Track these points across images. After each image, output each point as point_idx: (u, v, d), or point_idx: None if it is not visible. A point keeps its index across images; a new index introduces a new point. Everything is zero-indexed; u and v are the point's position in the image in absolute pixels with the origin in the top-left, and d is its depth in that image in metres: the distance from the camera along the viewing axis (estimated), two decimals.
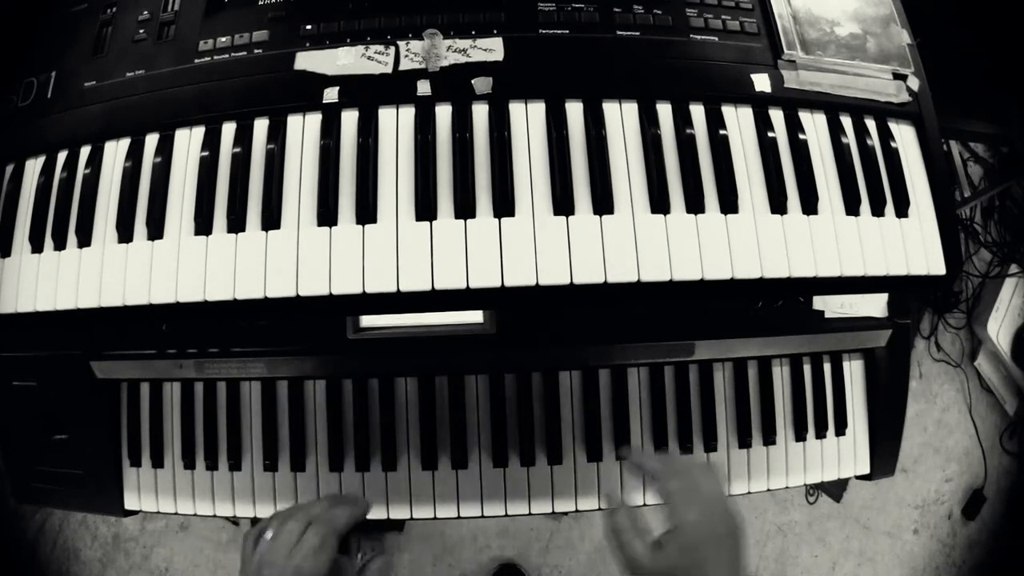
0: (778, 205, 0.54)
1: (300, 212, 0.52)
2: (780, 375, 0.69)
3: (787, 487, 0.69)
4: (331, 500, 0.51)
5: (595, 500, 0.65)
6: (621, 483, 0.66)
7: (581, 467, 0.65)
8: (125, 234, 0.54)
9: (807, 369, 0.70)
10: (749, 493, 0.68)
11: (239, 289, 0.50)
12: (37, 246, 0.56)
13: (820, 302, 0.69)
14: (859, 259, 0.53)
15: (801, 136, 0.56)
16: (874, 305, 0.70)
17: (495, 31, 0.56)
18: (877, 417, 0.71)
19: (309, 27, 0.56)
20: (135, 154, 0.55)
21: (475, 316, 0.64)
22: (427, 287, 0.49)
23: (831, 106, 0.58)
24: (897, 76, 0.59)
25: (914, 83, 0.59)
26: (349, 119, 0.54)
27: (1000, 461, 1.55)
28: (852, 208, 0.55)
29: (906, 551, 1.47)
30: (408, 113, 0.54)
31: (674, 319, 0.66)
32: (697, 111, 0.56)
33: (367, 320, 0.64)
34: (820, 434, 0.69)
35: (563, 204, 0.52)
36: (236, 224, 0.52)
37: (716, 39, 0.57)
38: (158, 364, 0.66)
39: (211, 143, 0.54)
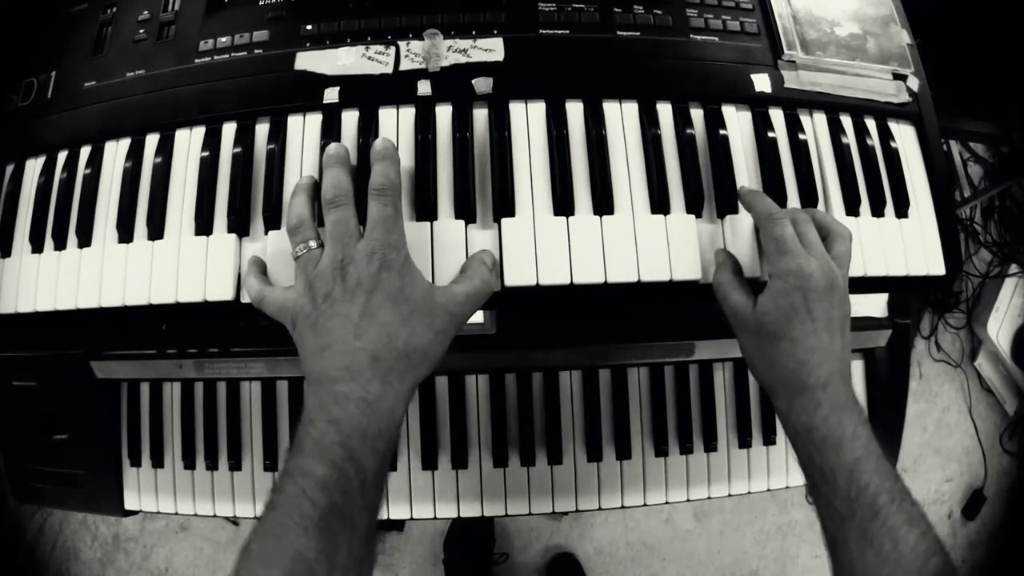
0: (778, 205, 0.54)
1: None
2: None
3: (787, 487, 0.69)
4: (342, 164, 0.46)
5: (595, 500, 0.65)
6: (621, 480, 0.66)
7: (581, 467, 0.65)
8: (125, 234, 0.54)
9: None
10: (749, 493, 0.68)
11: (240, 289, 0.51)
12: (37, 246, 0.56)
13: None
14: (859, 259, 0.53)
15: (801, 136, 0.56)
16: (874, 305, 0.70)
17: (495, 31, 0.56)
18: (877, 417, 0.71)
19: (309, 27, 0.56)
20: (135, 154, 0.55)
21: (475, 316, 0.63)
22: None
23: (831, 106, 0.58)
24: (897, 76, 0.59)
25: (914, 83, 0.59)
26: (349, 119, 0.54)
27: (1000, 461, 1.55)
28: (852, 208, 0.56)
29: None
30: (408, 113, 0.54)
31: (674, 319, 0.66)
32: (697, 111, 0.56)
33: None
34: None
35: (563, 204, 0.52)
36: (236, 224, 0.52)
37: (716, 39, 0.57)
38: (158, 364, 0.66)
39: (211, 143, 0.54)
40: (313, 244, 0.45)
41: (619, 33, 0.56)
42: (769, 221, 0.48)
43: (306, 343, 0.43)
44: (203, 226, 0.52)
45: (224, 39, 0.56)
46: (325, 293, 0.42)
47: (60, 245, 0.55)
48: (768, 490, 0.68)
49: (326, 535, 0.37)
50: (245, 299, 0.50)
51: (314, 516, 0.37)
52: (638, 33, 0.57)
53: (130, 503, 0.68)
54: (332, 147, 0.47)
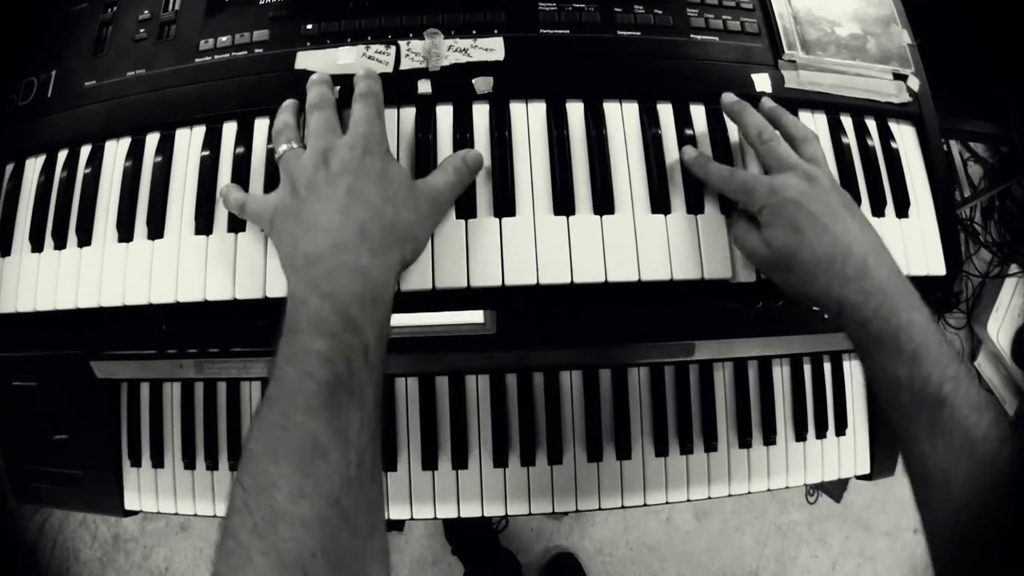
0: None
1: None
2: (780, 375, 0.69)
3: (787, 487, 0.69)
4: (325, 83, 0.49)
5: (595, 500, 0.65)
6: (621, 480, 0.66)
7: (581, 467, 0.65)
8: (125, 234, 0.54)
9: (807, 369, 0.70)
10: (749, 493, 0.68)
11: (239, 289, 0.50)
12: (37, 245, 0.56)
13: None
14: None
15: None
16: None
17: (496, 31, 0.56)
18: (878, 417, 0.71)
19: (310, 27, 0.56)
20: (135, 154, 0.55)
21: (475, 316, 0.63)
22: (427, 286, 0.49)
23: (831, 106, 0.58)
24: (897, 76, 0.59)
25: (914, 83, 0.59)
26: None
27: None
28: None
29: (906, 551, 1.47)
30: (409, 113, 0.54)
31: (675, 319, 0.66)
32: (698, 111, 0.56)
33: None
34: (820, 434, 0.69)
35: (563, 204, 0.52)
36: (237, 224, 0.52)
37: (717, 39, 0.57)
38: (158, 364, 0.66)
39: (212, 143, 0.54)
40: (295, 144, 0.46)
41: (619, 33, 0.56)
42: (732, 176, 0.49)
43: (287, 232, 0.43)
44: (203, 225, 0.52)
45: (224, 39, 0.56)
46: (308, 182, 0.43)
47: (60, 244, 0.55)
48: (768, 490, 0.68)
49: (334, 412, 0.35)
50: (243, 297, 0.50)
51: (319, 393, 0.35)
52: (639, 33, 0.57)
53: (130, 503, 0.68)
54: (316, 74, 0.50)
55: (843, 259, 0.44)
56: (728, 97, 0.54)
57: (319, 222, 0.41)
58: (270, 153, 0.53)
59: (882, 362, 0.42)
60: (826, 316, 0.48)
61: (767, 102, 0.54)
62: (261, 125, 0.55)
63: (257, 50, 0.56)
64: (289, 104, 0.51)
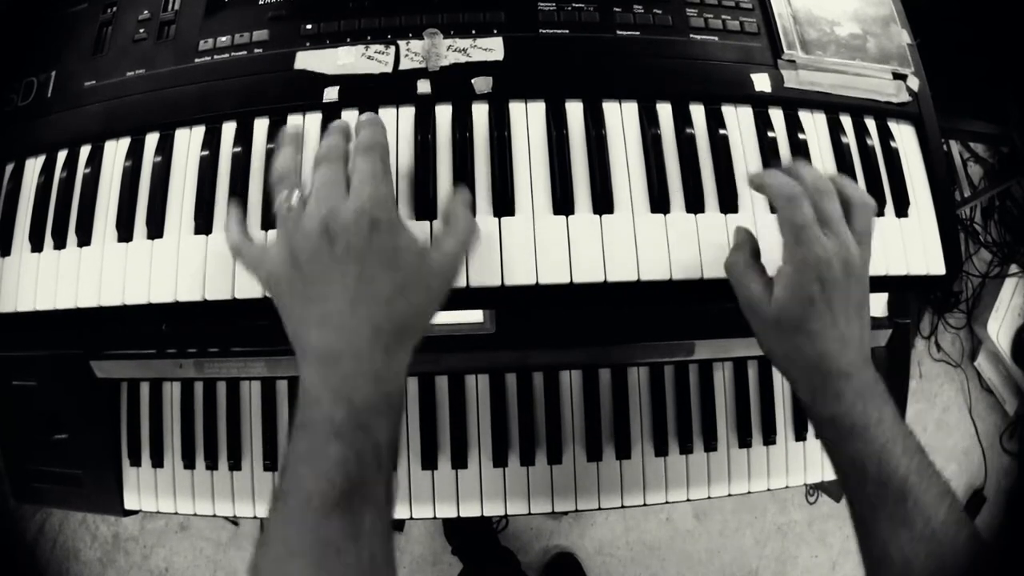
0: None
1: None
2: (780, 375, 0.69)
3: (787, 487, 0.69)
4: (342, 133, 0.44)
5: (595, 500, 0.65)
6: (621, 480, 0.66)
7: (581, 467, 0.65)
8: (125, 233, 0.54)
9: None
10: (749, 493, 0.68)
11: (239, 289, 0.51)
12: (37, 245, 0.56)
13: None
14: None
15: (801, 136, 0.56)
16: (874, 305, 0.70)
17: (495, 31, 0.56)
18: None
19: (309, 27, 0.56)
20: (135, 154, 0.55)
21: (475, 316, 0.63)
22: None
23: (831, 106, 0.58)
24: (897, 76, 0.59)
25: (914, 83, 0.59)
26: (349, 119, 0.53)
27: (1000, 461, 1.55)
28: None
29: None
30: (408, 113, 0.54)
31: (674, 319, 0.66)
32: (697, 111, 0.56)
33: None
34: None
35: (563, 204, 0.52)
36: None
37: (716, 39, 0.57)
38: (158, 364, 0.66)
39: (211, 143, 0.54)
40: (295, 199, 0.41)
41: (619, 33, 0.56)
42: (787, 204, 0.43)
43: (295, 309, 0.41)
44: (203, 225, 0.52)
45: (224, 39, 0.56)
46: (310, 256, 0.39)
47: (60, 244, 0.55)
48: (768, 490, 0.68)
49: (348, 514, 0.36)
50: (242, 296, 0.50)
51: (334, 496, 0.36)
52: (638, 33, 0.57)
53: (130, 503, 0.68)
54: (337, 122, 0.46)
55: (835, 357, 0.43)
56: (751, 174, 0.49)
57: (330, 313, 0.39)
58: (270, 153, 0.53)
59: (850, 454, 0.43)
60: (794, 390, 0.48)
61: (820, 177, 0.47)
62: (260, 125, 0.55)
63: (257, 50, 0.56)
64: (291, 136, 0.46)
